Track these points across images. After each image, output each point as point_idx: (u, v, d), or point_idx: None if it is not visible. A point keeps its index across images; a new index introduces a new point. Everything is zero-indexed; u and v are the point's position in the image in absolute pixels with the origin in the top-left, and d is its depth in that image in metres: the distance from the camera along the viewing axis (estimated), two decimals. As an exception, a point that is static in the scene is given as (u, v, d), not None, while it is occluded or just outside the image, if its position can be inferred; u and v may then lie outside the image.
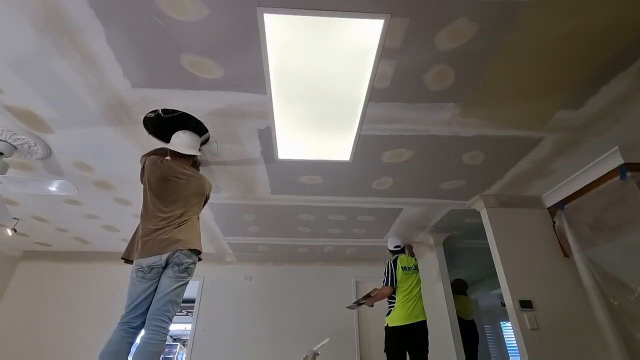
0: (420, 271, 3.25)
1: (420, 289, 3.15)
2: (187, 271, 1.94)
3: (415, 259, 3.36)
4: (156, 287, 1.88)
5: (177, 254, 1.89)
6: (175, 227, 1.96)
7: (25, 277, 4.62)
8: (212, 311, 4.64)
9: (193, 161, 2.32)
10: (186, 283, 1.96)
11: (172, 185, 2.07)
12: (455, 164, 2.63)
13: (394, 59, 1.68)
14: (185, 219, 2.03)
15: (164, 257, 1.87)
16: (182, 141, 2.20)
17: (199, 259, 2.06)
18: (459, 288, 4.72)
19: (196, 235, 2.06)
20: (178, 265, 1.90)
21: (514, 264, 2.87)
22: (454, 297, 4.33)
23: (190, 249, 1.95)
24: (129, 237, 2.07)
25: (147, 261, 1.87)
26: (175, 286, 1.88)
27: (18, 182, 2.48)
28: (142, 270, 1.86)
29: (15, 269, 4.66)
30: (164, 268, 1.90)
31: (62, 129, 2.21)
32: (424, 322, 3.00)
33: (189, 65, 1.72)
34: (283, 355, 4.33)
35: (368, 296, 3.20)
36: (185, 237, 1.96)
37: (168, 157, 2.22)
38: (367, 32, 1.54)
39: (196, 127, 2.21)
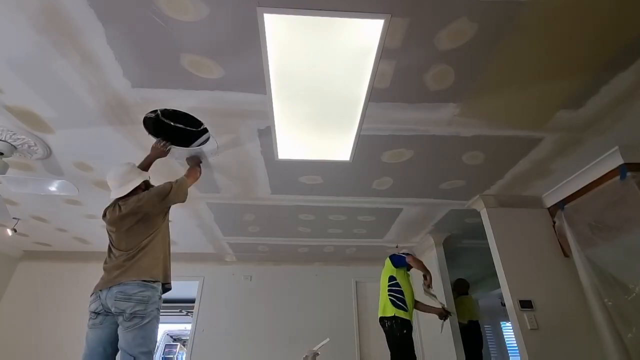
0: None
1: (384, 287, 3.08)
2: (137, 316, 1.67)
3: (393, 256, 3.24)
4: (113, 330, 1.72)
5: (113, 300, 1.68)
6: (116, 267, 1.79)
7: (25, 277, 4.62)
8: (212, 311, 4.64)
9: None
10: (145, 325, 1.69)
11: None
12: (455, 164, 2.63)
13: (394, 59, 1.68)
14: (133, 253, 1.82)
15: (101, 300, 1.72)
16: (119, 181, 1.96)
17: (166, 289, 1.89)
18: (461, 288, 4.68)
19: (142, 265, 1.80)
20: (120, 314, 1.68)
21: (514, 264, 2.87)
22: (457, 299, 4.31)
23: (126, 286, 1.70)
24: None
25: (92, 307, 1.76)
26: (131, 338, 1.66)
27: (18, 182, 2.48)
28: (90, 318, 1.75)
29: (15, 269, 4.65)
30: (112, 313, 1.72)
31: (62, 129, 2.21)
32: (385, 318, 2.95)
33: (189, 65, 1.72)
34: (283, 355, 4.33)
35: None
36: (122, 274, 1.74)
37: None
38: (367, 32, 1.54)
39: (195, 126, 2.21)
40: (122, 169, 1.99)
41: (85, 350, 1.73)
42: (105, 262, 1.88)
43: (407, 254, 3.17)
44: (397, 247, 4.38)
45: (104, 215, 1.98)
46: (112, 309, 1.70)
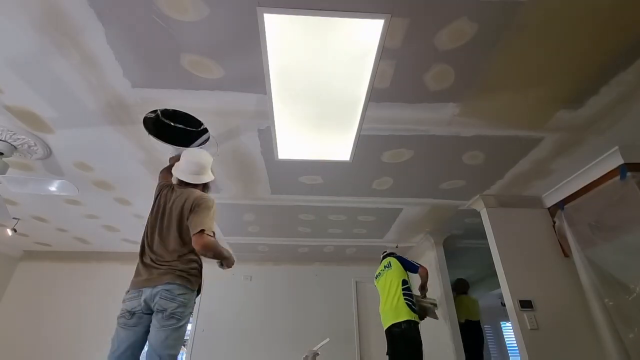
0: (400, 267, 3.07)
1: (395, 289, 2.96)
2: (175, 317, 1.64)
3: (393, 256, 3.22)
4: (143, 333, 1.66)
5: (157, 298, 1.63)
6: (164, 265, 1.72)
7: (25, 277, 4.62)
8: (212, 311, 4.64)
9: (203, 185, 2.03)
10: (180, 327, 1.66)
11: (167, 219, 1.82)
12: (455, 164, 2.63)
13: (394, 59, 1.68)
14: (180, 254, 1.75)
15: (143, 297, 1.64)
16: (196, 168, 1.94)
17: (198, 292, 1.82)
18: (460, 288, 4.70)
19: (188, 267, 1.75)
20: (161, 312, 1.63)
21: (514, 264, 2.87)
22: (456, 298, 4.32)
23: (172, 286, 1.65)
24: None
25: (128, 305, 1.67)
26: (163, 337, 1.61)
27: (18, 182, 2.48)
28: (123, 317, 1.66)
29: (15, 269, 4.66)
30: (150, 313, 1.66)
31: (62, 129, 2.21)
32: (395, 325, 2.82)
33: (189, 65, 1.72)
34: (283, 355, 4.33)
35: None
36: (170, 274, 1.69)
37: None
38: (367, 32, 1.54)
39: (195, 126, 2.21)
40: (209, 160, 2.00)
41: (113, 348, 1.64)
42: (147, 257, 1.77)
43: (421, 265, 3.13)
44: (397, 247, 4.39)
45: (157, 196, 1.91)
46: (155, 307, 1.64)
